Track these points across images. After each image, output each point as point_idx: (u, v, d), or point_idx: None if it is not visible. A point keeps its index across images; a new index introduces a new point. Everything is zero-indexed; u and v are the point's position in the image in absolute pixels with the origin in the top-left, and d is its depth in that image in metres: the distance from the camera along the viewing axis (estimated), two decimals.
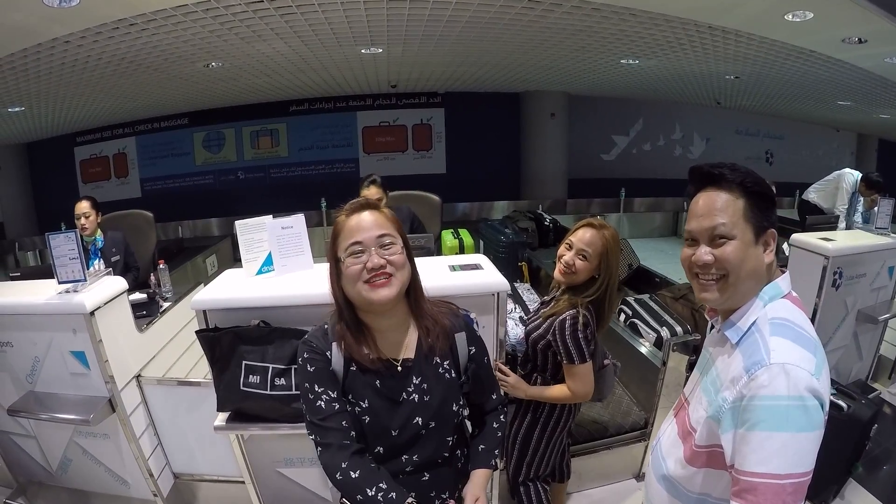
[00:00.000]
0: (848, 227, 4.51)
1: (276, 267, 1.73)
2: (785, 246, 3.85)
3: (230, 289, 1.61)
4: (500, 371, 1.72)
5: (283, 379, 1.57)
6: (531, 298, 3.57)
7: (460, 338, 1.19)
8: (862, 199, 4.62)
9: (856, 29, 3.60)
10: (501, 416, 1.32)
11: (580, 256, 1.65)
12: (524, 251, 5.15)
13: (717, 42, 4.13)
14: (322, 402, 1.09)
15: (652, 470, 1.19)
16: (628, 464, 2.55)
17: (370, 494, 1.03)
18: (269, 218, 1.73)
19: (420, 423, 1.12)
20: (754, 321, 0.98)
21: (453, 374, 1.18)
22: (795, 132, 10.39)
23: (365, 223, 1.08)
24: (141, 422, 2.00)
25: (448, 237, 4.26)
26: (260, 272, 1.73)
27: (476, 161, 8.12)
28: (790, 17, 3.44)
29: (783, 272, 1.03)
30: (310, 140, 7.72)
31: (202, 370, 2.66)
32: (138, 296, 2.51)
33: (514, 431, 1.85)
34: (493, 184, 8.25)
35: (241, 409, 1.58)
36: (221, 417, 1.61)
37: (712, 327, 1.16)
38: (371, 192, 3.11)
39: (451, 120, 8.00)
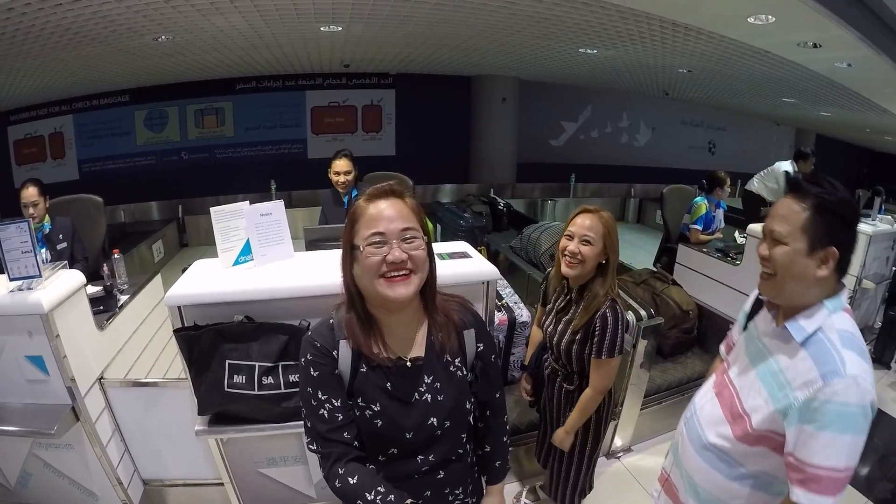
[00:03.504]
0: None
1: (255, 256, 1.64)
2: (736, 234, 4.10)
3: (207, 282, 1.51)
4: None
5: (270, 377, 1.50)
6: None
7: (469, 334, 1.16)
8: None
9: (812, 34, 3.75)
10: (504, 417, 1.30)
11: (584, 242, 1.62)
12: (483, 235, 5.22)
13: (677, 38, 4.22)
14: (325, 412, 1.05)
15: (688, 439, 1.31)
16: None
17: (369, 499, 1.00)
18: (245, 204, 1.63)
19: (435, 423, 1.08)
20: (820, 327, 1.08)
21: (464, 372, 1.15)
22: (737, 124, 10.94)
23: (388, 213, 1.02)
24: (106, 428, 1.85)
25: None
26: (237, 262, 1.64)
27: (426, 144, 8.07)
28: (752, 19, 3.56)
29: (843, 287, 1.12)
30: (257, 119, 7.41)
31: (163, 367, 2.52)
32: (93, 289, 2.32)
33: (561, 458, 1.89)
34: (442, 167, 8.23)
35: (226, 411, 1.50)
36: (202, 421, 1.52)
37: (749, 314, 1.33)
38: (341, 165, 3.05)
39: (402, 102, 7.89)
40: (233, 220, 1.62)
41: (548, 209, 7.91)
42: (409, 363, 1.08)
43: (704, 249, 3.83)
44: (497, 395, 1.26)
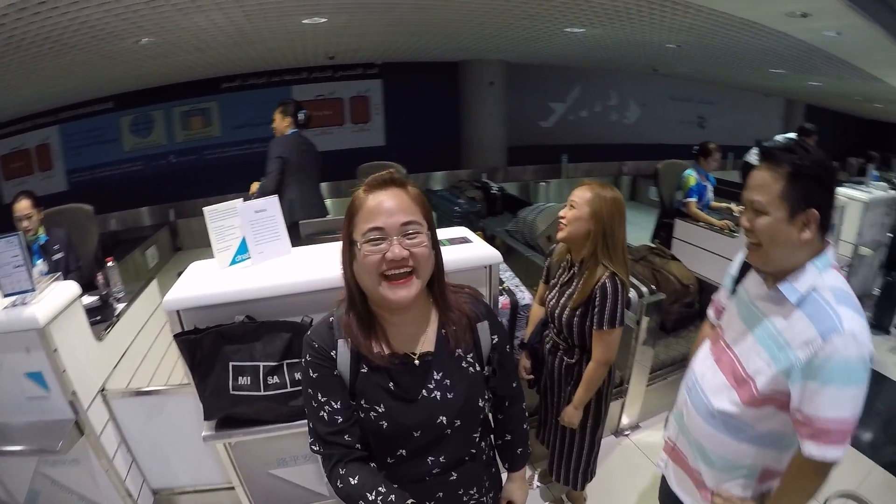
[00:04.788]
0: None
1: (252, 255, 1.62)
2: (733, 206, 4.08)
3: (205, 284, 1.49)
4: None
5: (275, 377, 1.49)
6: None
7: (483, 327, 1.10)
8: None
9: (801, 4, 3.70)
10: (523, 404, 1.27)
11: (569, 206, 1.68)
12: (478, 221, 5.21)
13: (664, 12, 4.15)
14: (325, 414, 1.02)
15: (693, 408, 1.34)
16: (607, 422, 2.66)
17: (370, 499, 0.98)
18: (239, 202, 1.61)
19: (444, 422, 1.03)
20: (813, 286, 1.12)
21: (477, 368, 1.09)
22: (726, 98, 10.86)
23: (388, 205, 0.94)
24: (112, 441, 1.83)
25: None
26: (234, 262, 1.61)
27: (415, 132, 7.96)
28: None
29: (829, 244, 1.15)
30: (244, 118, 7.26)
31: (165, 374, 2.50)
32: (89, 299, 2.29)
33: (564, 438, 1.91)
34: (433, 154, 8.12)
35: (232, 414, 1.48)
36: (209, 426, 1.50)
37: (736, 279, 1.37)
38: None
39: (389, 91, 7.78)
40: (227, 218, 1.59)
41: (541, 191, 7.87)
42: (417, 361, 1.03)
43: (702, 225, 3.82)
44: (514, 385, 1.23)
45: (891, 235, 3.78)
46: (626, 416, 2.69)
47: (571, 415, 1.79)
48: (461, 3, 4.08)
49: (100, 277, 2.40)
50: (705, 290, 3.37)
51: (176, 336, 1.39)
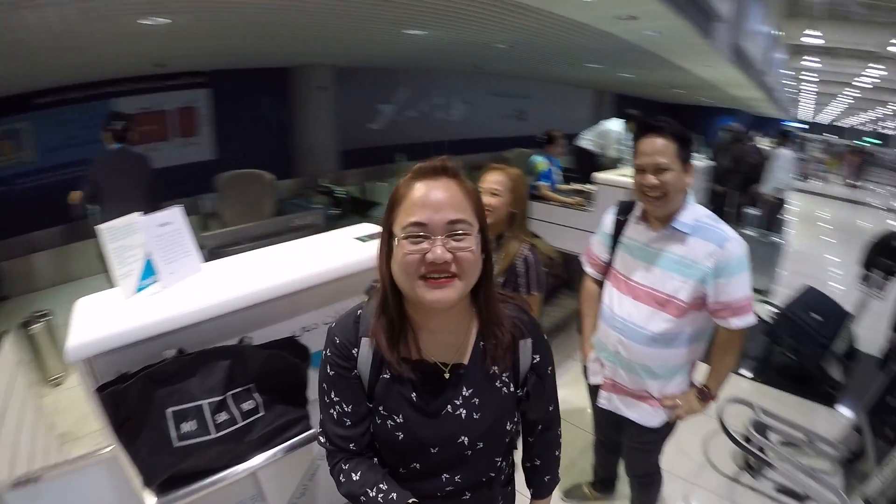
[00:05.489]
0: None
1: (162, 276, 1.39)
2: (576, 186, 4.61)
3: (115, 320, 1.24)
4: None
5: (223, 413, 1.31)
6: None
7: (525, 345, 0.99)
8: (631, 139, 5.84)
9: (631, 8, 4.18)
10: (558, 430, 1.18)
11: (491, 193, 1.79)
12: (338, 223, 5.16)
13: (504, 14, 4.40)
14: (335, 413, 0.98)
15: (632, 341, 1.63)
16: None
17: (371, 495, 0.94)
18: (137, 215, 1.37)
19: (465, 442, 0.95)
20: (695, 217, 1.53)
21: (511, 388, 0.99)
22: (541, 91, 12.18)
23: (435, 198, 0.83)
24: None
25: None
26: (141, 288, 1.37)
27: (247, 142, 7.49)
28: None
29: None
30: (61, 138, 6.04)
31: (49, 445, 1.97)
32: None
33: None
34: (266, 164, 7.75)
35: (180, 470, 1.26)
36: (150, 493, 1.25)
37: (619, 227, 1.72)
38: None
39: (219, 101, 7.16)
40: (127, 236, 1.34)
41: (380, 191, 8.05)
42: (447, 373, 0.94)
43: (555, 204, 4.25)
44: (551, 409, 1.12)
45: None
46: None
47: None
48: (313, 5, 3.91)
49: None
50: (569, 261, 3.78)
51: (100, 390, 1.13)
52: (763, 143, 8.79)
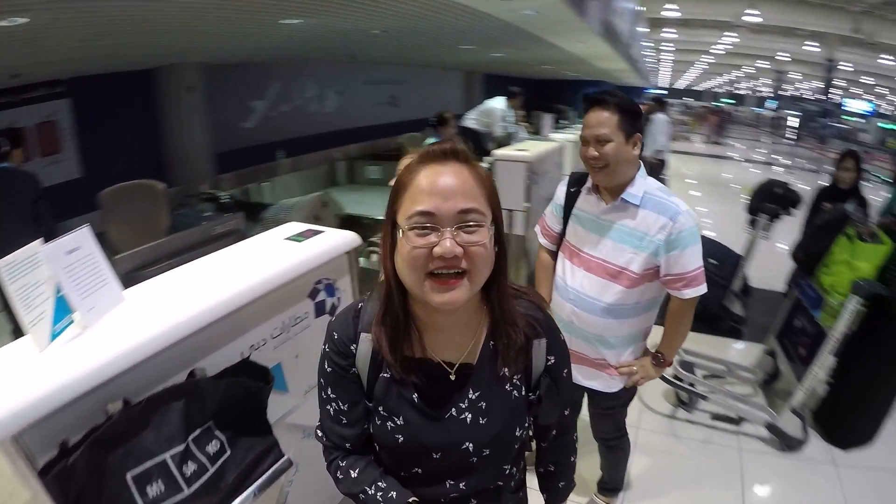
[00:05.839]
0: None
1: (81, 314, 1.14)
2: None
3: (36, 379, 0.98)
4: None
5: (191, 463, 1.13)
6: None
7: (539, 345, 0.92)
8: (514, 115, 6.04)
9: None
10: (574, 434, 1.11)
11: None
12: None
13: (384, 0, 4.30)
14: (331, 409, 0.94)
15: (586, 312, 1.66)
16: None
17: (370, 493, 0.91)
18: (38, 244, 1.09)
19: (470, 449, 0.89)
20: (645, 190, 1.55)
21: (523, 392, 0.93)
22: (413, 76, 12.20)
23: (443, 185, 0.75)
24: None
25: None
26: (56, 335, 1.11)
27: (116, 154, 6.69)
28: None
29: (640, 160, 1.60)
30: None
31: None
32: None
33: None
34: (138, 174, 7.01)
35: None
36: None
37: (571, 198, 1.73)
38: None
39: (81, 111, 6.29)
40: (30, 271, 1.07)
41: (265, 191, 7.72)
42: (453, 374, 0.88)
43: None
44: (566, 413, 1.04)
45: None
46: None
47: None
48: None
49: None
50: None
51: (43, 473, 0.90)
52: None
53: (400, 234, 0.77)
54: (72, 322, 1.14)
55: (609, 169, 1.53)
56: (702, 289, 1.56)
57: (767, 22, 15.95)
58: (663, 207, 1.54)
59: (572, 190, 1.75)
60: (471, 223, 0.75)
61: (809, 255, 2.77)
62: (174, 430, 1.11)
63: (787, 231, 3.87)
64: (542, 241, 1.88)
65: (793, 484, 2.48)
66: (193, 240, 1.74)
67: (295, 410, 1.56)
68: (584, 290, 1.66)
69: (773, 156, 16.97)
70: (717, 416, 2.84)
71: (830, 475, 2.51)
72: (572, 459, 1.11)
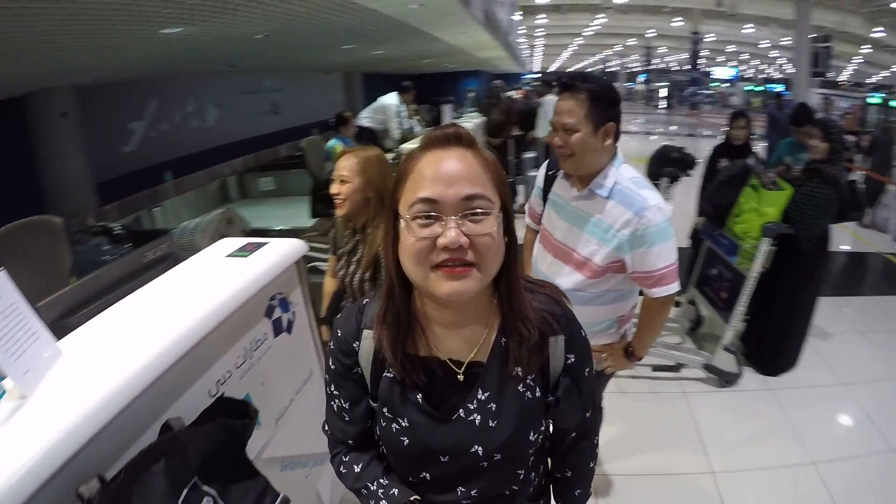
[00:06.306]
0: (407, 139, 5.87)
1: (14, 379, 0.93)
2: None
3: None
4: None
5: None
6: None
7: (556, 342, 0.85)
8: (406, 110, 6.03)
9: None
10: (595, 438, 1.04)
11: (340, 181, 1.68)
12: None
13: (268, 2, 4.08)
14: (335, 405, 0.93)
15: None
16: None
17: (371, 489, 0.89)
18: None
19: (480, 453, 0.83)
20: (616, 181, 1.47)
21: (538, 393, 0.86)
22: (292, 82, 11.71)
23: (447, 170, 0.70)
24: None
25: None
26: None
27: None
28: None
29: (617, 148, 1.53)
30: None
31: None
32: None
33: None
34: (14, 212, 6.09)
35: None
36: None
37: (548, 182, 1.67)
38: None
39: None
40: None
41: (157, 217, 7.23)
42: (461, 374, 0.83)
43: None
44: (587, 415, 0.96)
45: None
46: None
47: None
48: (61, 7, 3.04)
49: None
50: None
51: None
52: (511, 94, 10.10)
53: (402, 225, 0.73)
54: (3, 392, 0.94)
55: (575, 158, 1.46)
56: (673, 287, 1.48)
57: (635, 2, 17.44)
58: (630, 200, 1.44)
59: (550, 173, 1.70)
60: (477, 210, 0.71)
61: (718, 209, 3.05)
62: (160, 497, 0.96)
63: (683, 193, 4.22)
64: (527, 221, 1.86)
65: (739, 413, 2.81)
66: (124, 271, 1.54)
67: (270, 443, 1.45)
68: (552, 275, 1.62)
69: (648, 125, 18.46)
70: (657, 367, 3.06)
71: (769, 399, 2.87)
72: (591, 465, 1.04)
